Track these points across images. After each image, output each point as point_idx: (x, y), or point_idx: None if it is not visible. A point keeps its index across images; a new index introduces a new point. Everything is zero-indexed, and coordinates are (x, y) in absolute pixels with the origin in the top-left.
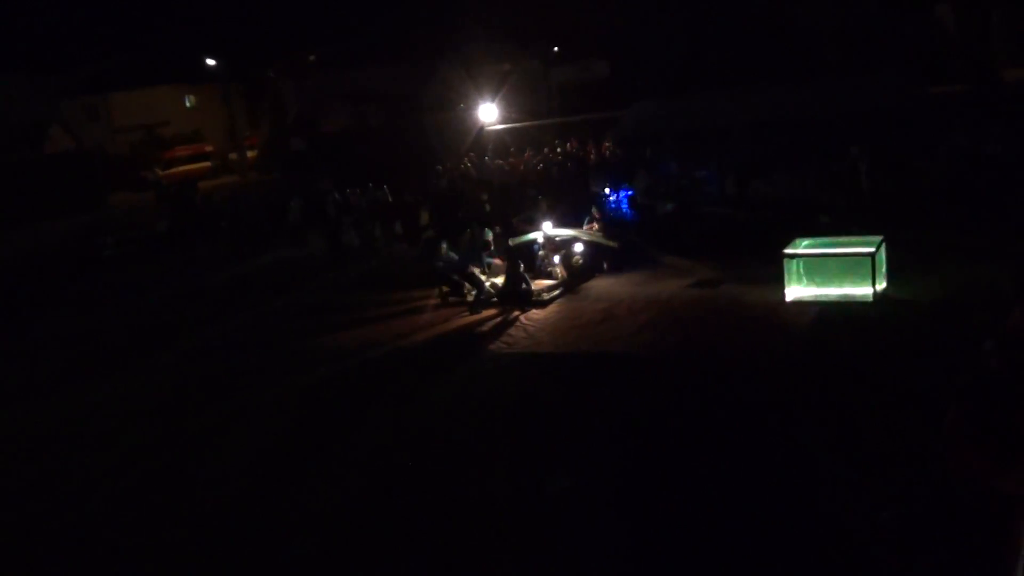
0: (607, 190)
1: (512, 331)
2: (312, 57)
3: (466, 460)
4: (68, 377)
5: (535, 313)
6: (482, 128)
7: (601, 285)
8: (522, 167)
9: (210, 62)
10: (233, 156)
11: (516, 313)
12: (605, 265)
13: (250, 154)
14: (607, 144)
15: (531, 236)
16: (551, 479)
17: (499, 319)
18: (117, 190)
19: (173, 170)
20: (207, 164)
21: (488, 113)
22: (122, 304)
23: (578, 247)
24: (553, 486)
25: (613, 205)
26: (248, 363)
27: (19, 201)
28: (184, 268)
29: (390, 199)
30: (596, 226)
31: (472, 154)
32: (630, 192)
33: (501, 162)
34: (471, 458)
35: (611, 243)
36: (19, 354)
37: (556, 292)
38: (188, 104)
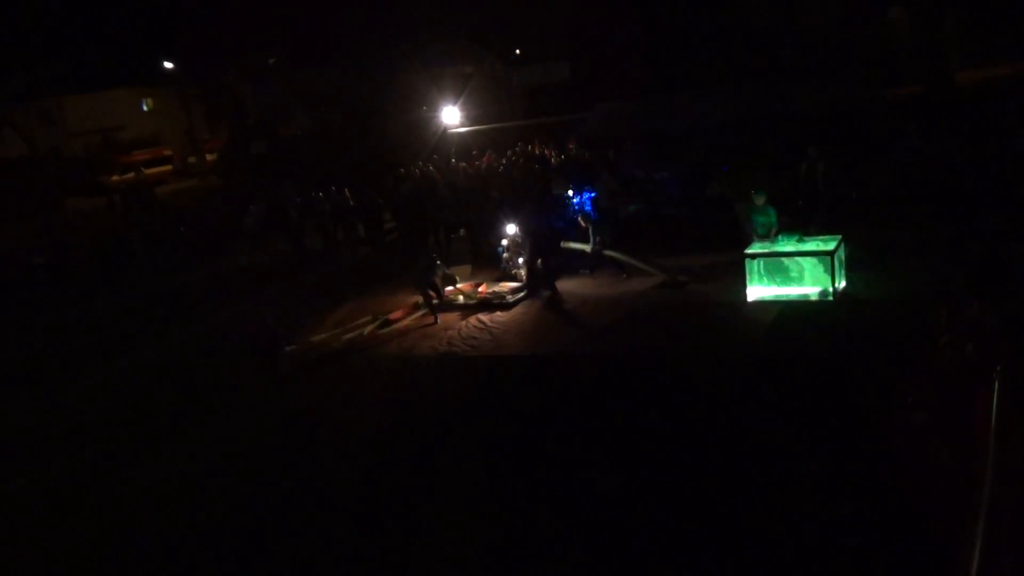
0: (570, 192)
1: (476, 334)
2: (271, 59)
3: (421, 466)
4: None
5: (499, 315)
6: (445, 130)
7: (566, 287)
8: (484, 169)
9: (167, 64)
10: (192, 160)
11: (480, 316)
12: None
13: (209, 158)
14: (570, 146)
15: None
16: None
17: (463, 323)
18: (73, 195)
19: (130, 175)
20: (166, 168)
21: (450, 115)
22: (71, 314)
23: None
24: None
25: (576, 207)
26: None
27: None
28: (141, 275)
29: (352, 202)
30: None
31: (435, 156)
32: (592, 194)
33: (464, 164)
34: (427, 465)
35: (585, 248)
36: None
37: (521, 294)
38: (146, 107)
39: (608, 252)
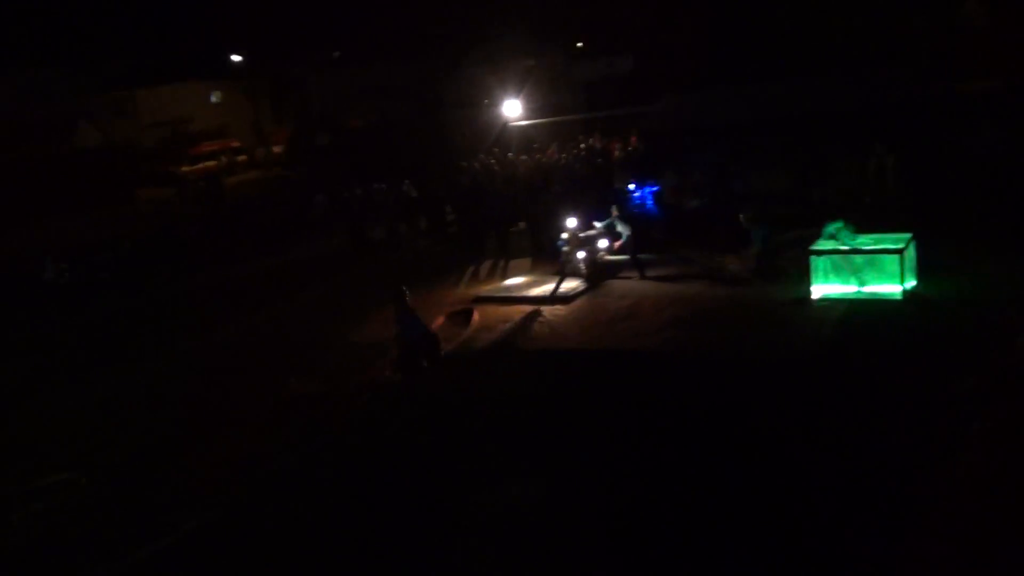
0: (632, 186)
1: (536, 327)
2: (337, 53)
3: (474, 455)
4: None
5: (559, 309)
6: (506, 124)
7: (626, 283)
8: (545, 163)
9: (236, 58)
10: (258, 151)
11: (539, 310)
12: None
13: (275, 149)
14: (633, 139)
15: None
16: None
17: (524, 316)
18: (145, 185)
19: (199, 166)
20: (233, 159)
21: (512, 109)
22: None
23: (602, 243)
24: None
25: (638, 200)
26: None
27: (47, 195)
28: (208, 264)
29: (413, 195)
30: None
31: (496, 150)
32: (655, 188)
33: (525, 158)
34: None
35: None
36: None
37: (580, 288)
38: (214, 100)
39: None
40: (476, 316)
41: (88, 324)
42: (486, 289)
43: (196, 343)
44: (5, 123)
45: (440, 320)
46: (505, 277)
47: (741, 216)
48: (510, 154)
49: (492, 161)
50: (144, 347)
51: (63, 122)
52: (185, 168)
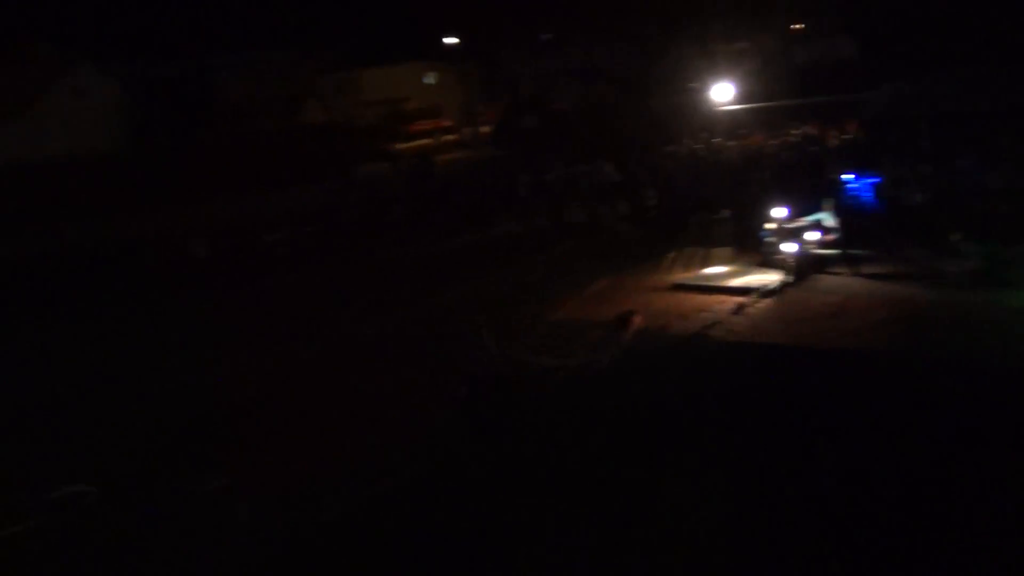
0: (850, 176)
1: (735, 319)
2: (546, 36)
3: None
4: None
5: (761, 302)
6: (714, 108)
7: (835, 278)
8: (754, 149)
9: (450, 41)
10: (467, 132)
11: (740, 301)
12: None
13: (483, 130)
14: (851, 127)
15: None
16: None
17: (720, 306)
18: (362, 161)
19: (413, 143)
20: (444, 139)
21: (721, 92)
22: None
23: (812, 234)
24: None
25: (854, 192)
26: None
27: (272, 168)
28: (417, 238)
29: (617, 178)
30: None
31: (703, 134)
32: (876, 180)
33: (733, 143)
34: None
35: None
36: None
37: (785, 281)
38: (429, 81)
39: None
40: (639, 319)
41: (308, 286)
42: (685, 276)
43: (409, 308)
44: (240, 101)
45: (639, 319)
46: (705, 265)
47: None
48: (717, 139)
49: (698, 146)
50: (363, 310)
51: (293, 100)
52: (400, 145)
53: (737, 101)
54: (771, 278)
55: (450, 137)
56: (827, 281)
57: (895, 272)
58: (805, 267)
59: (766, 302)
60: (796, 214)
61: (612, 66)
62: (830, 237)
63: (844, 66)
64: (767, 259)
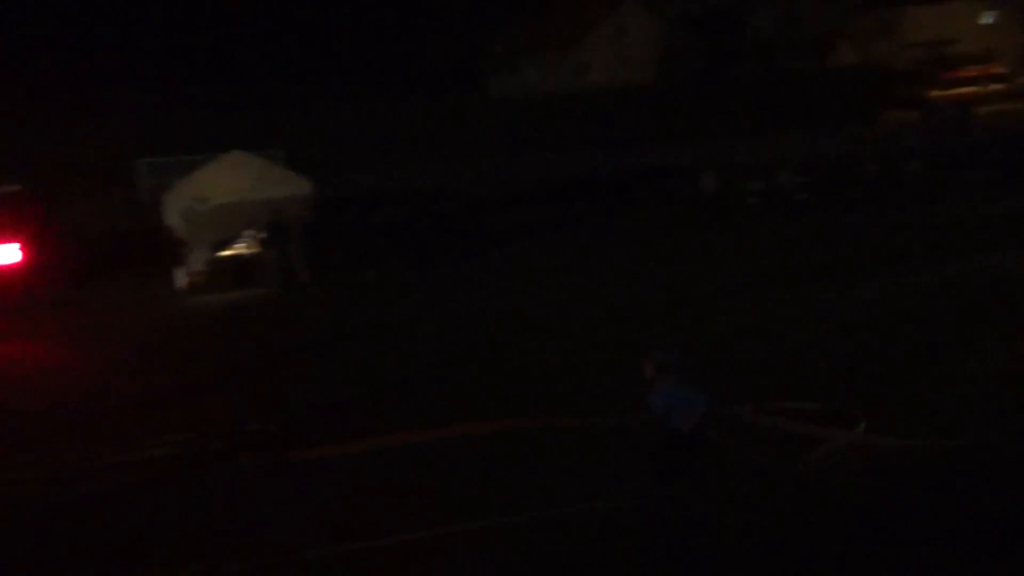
0: None
1: None
2: None
3: None
4: None
5: None
6: None
7: None
8: None
9: None
10: (1021, 81)
11: None
12: None
13: None
14: None
15: None
16: None
17: None
18: (889, 107)
19: (951, 91)
20: (995, 88)
21: None
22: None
23: None
24: None
25: None
26: None
27: (798, 110)
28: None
29: None
30: None
31: None
32: None
33: None
34: None
35: None
36: None
37: None
38: (986, 21)
39: None
40: None
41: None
42: None
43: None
44: (771, 40)
45: None
46: None
47: None
48: None
49: None
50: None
51: (824, 41)
52: (935, 93)
53: None
54: None
55: (999, 86)
56: None
57: None
58: None
59: None
60: None
61: None
62: None
63: None
64: None
